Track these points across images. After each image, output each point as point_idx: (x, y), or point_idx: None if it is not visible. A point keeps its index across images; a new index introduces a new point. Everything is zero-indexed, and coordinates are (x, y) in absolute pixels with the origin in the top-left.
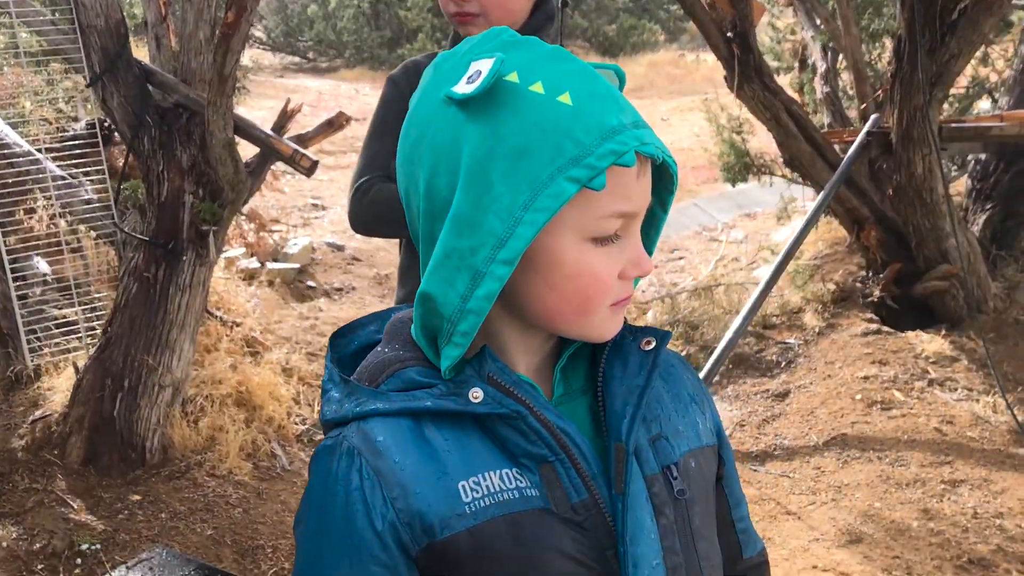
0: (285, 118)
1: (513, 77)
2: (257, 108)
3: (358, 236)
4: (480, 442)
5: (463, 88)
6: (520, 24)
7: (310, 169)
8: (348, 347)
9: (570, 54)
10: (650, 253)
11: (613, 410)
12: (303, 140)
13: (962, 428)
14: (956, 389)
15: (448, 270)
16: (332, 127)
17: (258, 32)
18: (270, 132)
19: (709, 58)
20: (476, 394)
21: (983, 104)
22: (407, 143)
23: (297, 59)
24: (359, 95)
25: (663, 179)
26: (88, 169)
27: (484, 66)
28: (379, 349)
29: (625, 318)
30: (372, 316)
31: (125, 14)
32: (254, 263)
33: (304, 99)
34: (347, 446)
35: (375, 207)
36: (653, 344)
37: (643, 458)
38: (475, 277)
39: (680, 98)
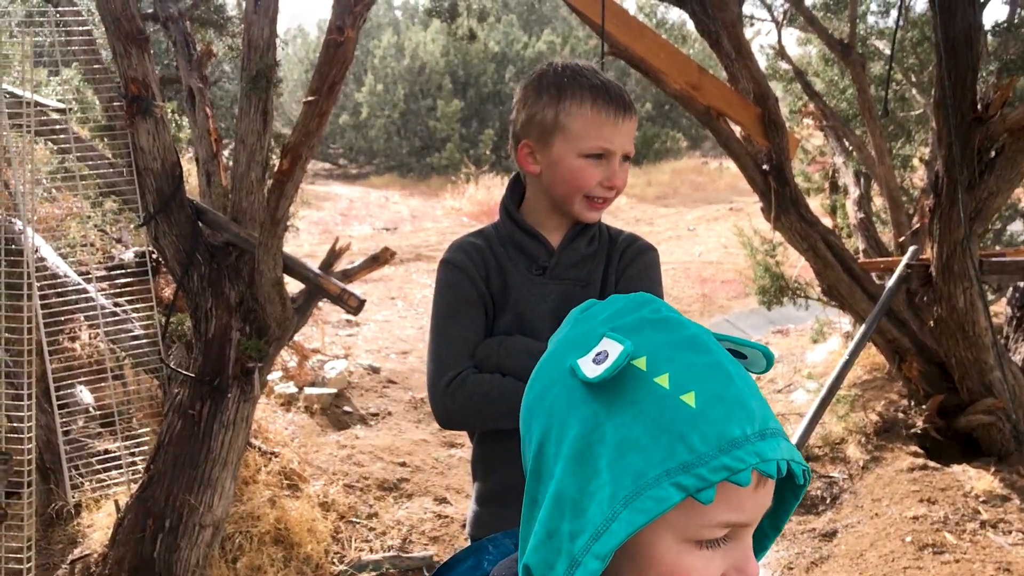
0: (333, 257)
1: (641, 363)
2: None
3: (392, 356)
4: None
5: (587, 368)
6: None
7: (357, 308)
8: None
9: (710, 342)
10: (776, 532)
11: None
12: (348, 275)
13: None
14: (1010, 532)
15: (549, 551)
16: (377, 262)
17: None
18: (318, 271)
19: (731, 165)
20: None
21: (1015, 226)
22: (531, 393)
23: (328, 166)
24: (389, 203)
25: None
26: (135, 301)
27: (613, 350)
28: None
29: None
30: (468, 551)
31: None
32: (291, 388)
33: (336, 206)
34: None
35: (472, 403)
36: None
37: None
38: (572, 565)
39: (705, 206)
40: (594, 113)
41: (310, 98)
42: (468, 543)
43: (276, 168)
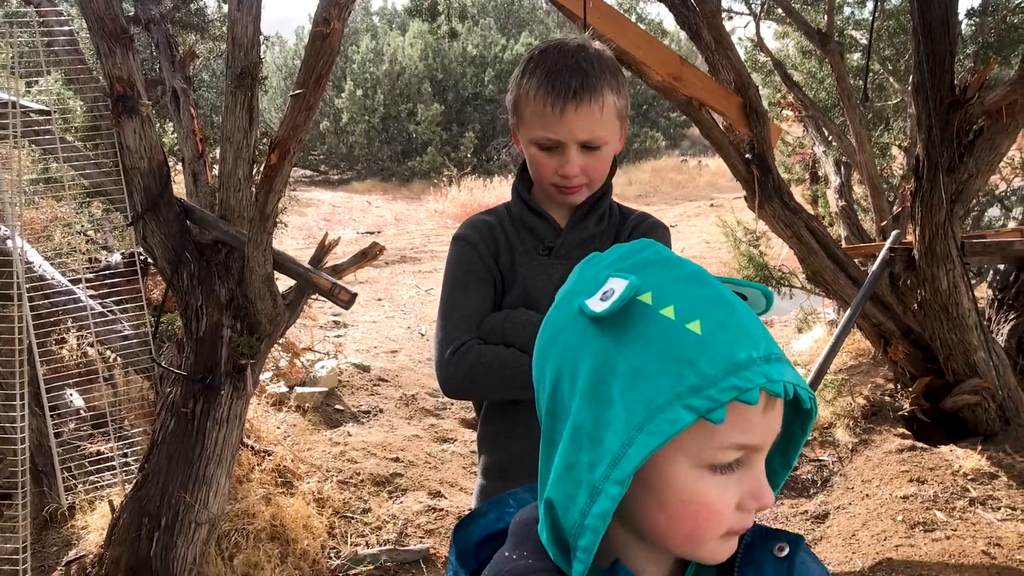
0: (323, 252)
1: (646, 298)
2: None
3: (382, 355)
4: None
5: (595, 305)
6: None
7: (348, 302)
8: (470, 539)
9: (710, 277)
10: (787, 470)
11: None
12: (337, 271)
13: (1011, 551)
14: (999, 508)
15: (569, 484)
16: (367, 257)
17: None
18: (308, 266)
19: (711, 163)
20: None
21: (993, 211)
22: (542, 339)
23: (309, 172)
24: (371, 207)
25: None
26: (124, 302)
27: (618, 287)
28: (507, 555)
29: (756, 520)
30: (490, 504)
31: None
32: (282, 387)
33: (319, 211)
34: None
35: (475, 372)
36: (787, 551)
37: None
38: (592, 494)
39: (685, 203)
40: (536, 102)
41: (297, 91)
42: None
43: (264, 163)
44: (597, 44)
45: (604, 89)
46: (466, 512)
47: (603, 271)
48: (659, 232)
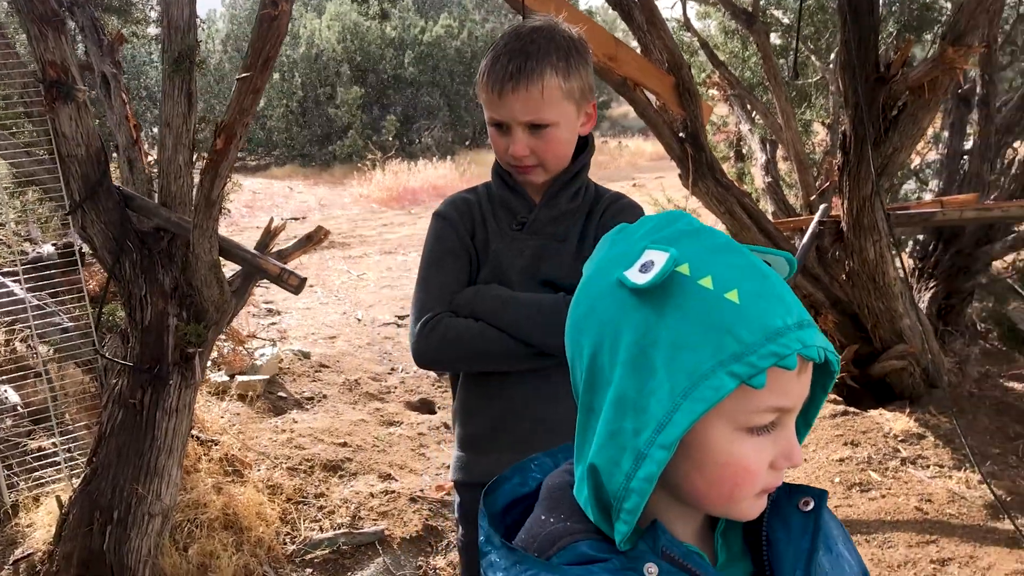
0: (269, 237)
1: (684, 269)
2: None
3: (320, 342)
4: None
5: (636, 277)
6: (568, 161)
7: (298, 287)
8: (496, 504)
9: (742, 247)
10: (807, 428)
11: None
12: (282, 256)
13: (941, 506)
14: (928, 466)
15: (614, 449)
16: (312, 241)
17: None
18: (256, 251)
19: (630, 144)
20: (651, 569)
21: (908, 185)
22: (577, 312)
23: None
24: (293, 193)
25: (825, 365)
26: (60, 294)
27: (658, 259)
28: (542, 518)
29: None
30: (513, 469)
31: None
32: (223, 376)
33: (239, 198)
34: None
35: (445, 344)
36: (812, 505)
37: None
38: (638, 459)
39: (608, 183)
40: (483, 84)
41: (244, 74)
42: (451, 488)
43: (211, 147)
44: (564, 26)
45: (545, 72)
46: (418, 493)
47: (638, 243)
48: (632, 211)
